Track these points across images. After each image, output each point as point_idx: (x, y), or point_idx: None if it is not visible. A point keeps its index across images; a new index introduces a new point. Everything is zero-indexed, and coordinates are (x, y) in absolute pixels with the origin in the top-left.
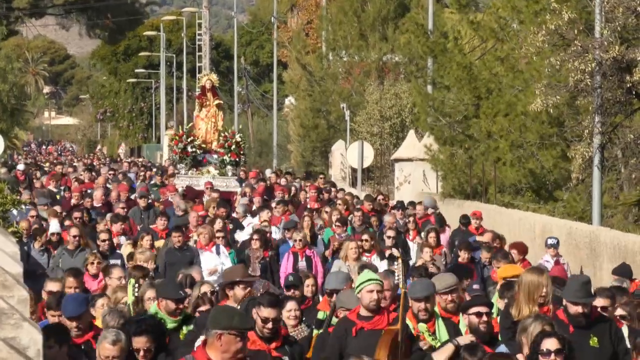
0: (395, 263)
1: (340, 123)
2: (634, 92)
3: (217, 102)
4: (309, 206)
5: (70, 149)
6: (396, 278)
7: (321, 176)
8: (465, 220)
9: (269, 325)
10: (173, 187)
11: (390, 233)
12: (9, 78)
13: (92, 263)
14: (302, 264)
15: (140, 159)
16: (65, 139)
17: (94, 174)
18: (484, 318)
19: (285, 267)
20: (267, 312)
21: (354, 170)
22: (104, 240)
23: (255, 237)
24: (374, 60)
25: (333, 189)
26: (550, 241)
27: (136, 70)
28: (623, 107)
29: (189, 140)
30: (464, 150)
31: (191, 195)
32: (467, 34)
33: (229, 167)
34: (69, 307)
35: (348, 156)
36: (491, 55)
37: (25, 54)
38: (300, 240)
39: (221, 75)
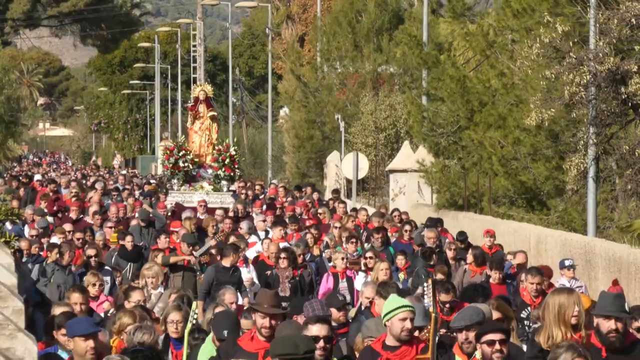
0: (425, 285)
1: (335, 134)
2: (629, 103)
3: (211, 114)
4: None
5: (65, 160)
6: (426, 302)
7: (334, 195)
8: (462, 237)
9: (321, 343)
10: (163, 205)
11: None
12: (5, 91)
13: (94, 285)
14: (342, 284)
15: (132, 171)
16: (60, 150)
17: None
18: (497, 347)
19: (325, 287)
20: (316, 329)
21: (348, 182)
22: (90, 257)
23: (282, 255)
24: (369, 72)
25: (341, 205)
26: (567, 262)
27: (131, 82)
28: (618, 118)
29: (180, 154)
30: (457, 159)
31: (180, 213)
32: (460, 45)
33: (223, 182)
34: (81, 325)
35: (343, 167)
36: (485, 68)
37: (20, 65)
38: (342, 260)
39: (217, 87)
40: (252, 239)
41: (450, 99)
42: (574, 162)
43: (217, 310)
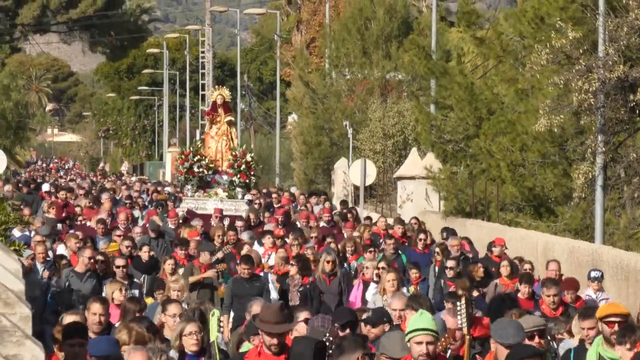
0: (459, 304)
1: (343, 141)
2: (637, 111)
3: (228, 118)
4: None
5: (73, 166)
6: (459, 322)
7: (342, 206)
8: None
9: None
10: (174, 213)
11: (451, 263)
12: (13, 96)
13: (120, 290)
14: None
15: (141, 177)
16: (68, 156)
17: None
18: None
19: (355, 296)
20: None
21: (356, 188)
22: (118, 267)
23: (292, 262)
24: (377, 78)
25: (349, 215)
26: (594, 274)
27: (139, 88)
28: (626, 126)
29: (195, 159)
30: (465, 166)
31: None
32: (469, 51)
33: (238, 189)
34: (99, 346)
35: (350, 174)
36: (494, 74)
37: (29, 70)
38: (372, 268)
39: None
40: (255, 247)
41: (458, 106)
42: (582, 169)
43: None
